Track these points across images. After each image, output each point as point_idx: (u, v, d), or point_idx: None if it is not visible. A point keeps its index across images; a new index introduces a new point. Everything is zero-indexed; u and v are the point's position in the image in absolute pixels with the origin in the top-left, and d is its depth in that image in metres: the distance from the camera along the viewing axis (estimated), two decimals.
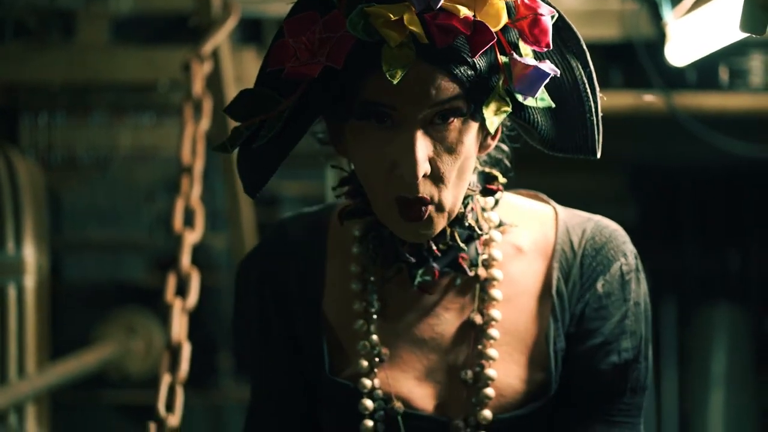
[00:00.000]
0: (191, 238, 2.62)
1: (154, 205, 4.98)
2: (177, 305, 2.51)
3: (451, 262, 1.50)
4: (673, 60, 2.88)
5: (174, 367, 2.45)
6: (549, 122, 1.42)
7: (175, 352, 2.47)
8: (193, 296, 2.55)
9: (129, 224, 5.01)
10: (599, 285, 1.53)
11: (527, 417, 1.52)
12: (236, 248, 4.40)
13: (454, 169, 1.40)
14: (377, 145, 1.39)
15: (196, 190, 2.69)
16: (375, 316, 1.54)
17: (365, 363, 1.54)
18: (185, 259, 2.58)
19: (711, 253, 5.46)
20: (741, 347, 5.04)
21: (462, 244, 1.49)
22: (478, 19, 1.32)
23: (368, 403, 1.53)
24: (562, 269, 1.54)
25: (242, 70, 4.14)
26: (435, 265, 1.49)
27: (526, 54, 1.37)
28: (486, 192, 1.52)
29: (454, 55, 1.34)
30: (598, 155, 1.42)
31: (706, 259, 5.72)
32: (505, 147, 1.55)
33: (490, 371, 1.50)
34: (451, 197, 1.42)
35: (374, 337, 1.54)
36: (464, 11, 1.30)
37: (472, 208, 1.50)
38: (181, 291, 2.57)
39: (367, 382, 1.54)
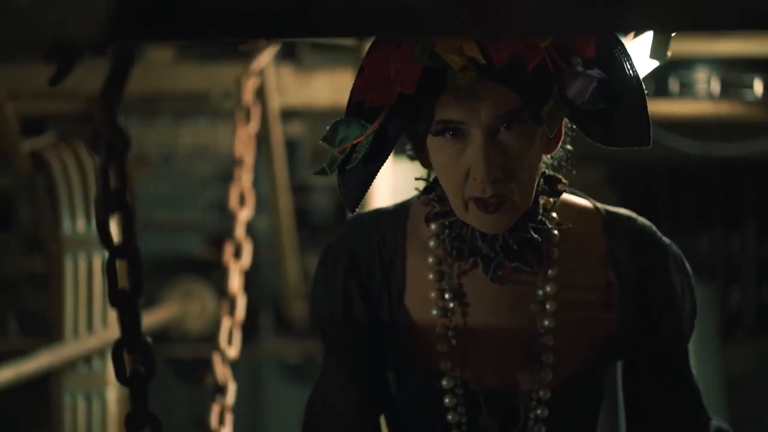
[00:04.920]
0: (244, 214, 2.84)
1: (208, 192, 5.13)
2: (234, 265, 2.77)
3: (521, 257, 1.46)
4: None
5: (232, 313, 2.73)
6: (605, 119, 1.39)
7: (232, 301, 2.74)
8: (246, 258, 2.79)
9: (187, 208, 5.12)
10: (653, 279, 1.54)
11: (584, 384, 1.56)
12: (276, 228, 4.60)
13: (522, 169, 1.39)
14: (453, 156, 1.39)
15: (248, 177, 2.91)
16: (449, 304, 1.52)
17: (442, 345, 1.52)
18: (239, 230, 2.81)
19: (683, 237, 5.51)
20: (709, 321, 5.07)
21: (535, 236, 1.46)
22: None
23: (446, 382, 1.52)
24: (615, 264, 1.53)
25: (281, 83, 4.37)
26: (507, 261, 1.46)
27: (577, 63, 1.35)
28: (552, 192, 1.50)
29: (512, 71, 1.34)
30: (650, 145, 1.40)
31: (677, 242, 5.73)
32: (569, 147, 1.51)
33: (547, 356, 1.51)
34: (522, 193, 1.40)
35: (449, 321, 1.52)
36: None
37: (541, 206, 1.48)
38: (236, 255, 2.79)
39: (445, 363, 1.52)
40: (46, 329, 4.07)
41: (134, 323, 1.16)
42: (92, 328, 3.84)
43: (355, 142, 1.39)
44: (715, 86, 4.36)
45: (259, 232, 4.71)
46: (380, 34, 1.13)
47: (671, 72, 4.23)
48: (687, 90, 4.33)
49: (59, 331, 3.85)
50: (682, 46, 4.04)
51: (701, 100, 4.33)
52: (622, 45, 1.39)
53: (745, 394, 5.15)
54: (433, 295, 1.52)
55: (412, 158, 1.55)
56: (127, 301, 1.15)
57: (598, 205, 1.58)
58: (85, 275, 3.89)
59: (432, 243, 1.52)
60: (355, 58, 3.61)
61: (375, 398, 1.60)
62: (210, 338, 3.03)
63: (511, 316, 1.52)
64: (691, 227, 5.37)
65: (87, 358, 3.83)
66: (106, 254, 1.15)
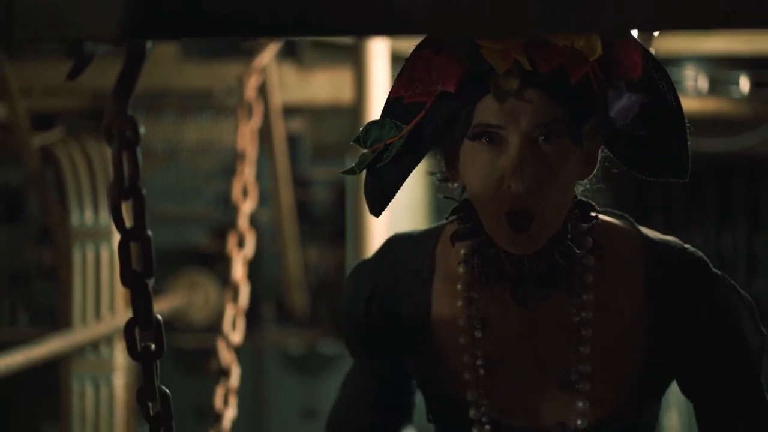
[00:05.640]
0: (247, 206, 2.88)
1: (212, 186, 5.20)
2: (237, 255, 2.79)
3: (550, 282, 1.38)
4: None
5: (235, 300, 2.76)
6: (643, 148, 1.34)
7: (236, 289, 2.77)
8: (249, 248, 2.82)
9: (192, 201, 5.19)
10: (710, 314, 1.44)
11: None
12: (277, 221, 4.65)
13: (555, 185, 1.32)
14: (488, 163, 1.33)
15: (251, 171, 2.96)
16: (478, 333, 1.46)
17: (470, 375, 1.47)
18: (242, 221, 2.84)
19: (674, 232, 5.46)
20: None
21: (561, 261, 1.37)
22: (576, 48, 1.29)
23: (474, 412, 1.47)
24: (656, 291, 1.44)
25: (282, 80, 4.42)
26: (536, 286, 1.38)
27: (620, 86, 1.31)
28: (584, 219, 1.41)
29: (556, 81, 1.29)
30: (688, 178, 1.34)
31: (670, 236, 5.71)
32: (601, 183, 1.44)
33: (584, 384, 1.44)
34: (553, 212, 1.34)
35: (477, 350, 1.46)
36: (564, 42, 1.28)
37: (570, 231, 1.39)
38: (239, 245, 2.81)
39: (473, 393, 1.47)
40: (55, 319, 4.14)
41: (146, 302, 1.20)
42: (100, 316, 3.90)
43: (388, 141, 1.35)
44: (703, 83, 4.40)
45: (262, 224, 4.75)
46: (371, 33, 1.18)
47: None
48: (675, 87, 4.37)
49: (68, 319, 3.91)
50: (670, 44, 4.11)
51: (689, 96, 4.35)
52: (668, 77, 1.36)
53: None
54: (461, 322, 1.46)
55: (440, 179, 1.46)
56: (139, 282, 1.18)
57: (642, 229, 1.48)
58: (93, 265, 3.95)
59: (461, 269, 1.46)
60: (353, 56, 3.68)
61: (393, 425, 1.59)
62: (214, 328, 3.06)
63: (543, 343, 1.45)
64: (682, 223, 5.36)
65: (95, 345, 3.89)
66: (119, 237, 1.18)
